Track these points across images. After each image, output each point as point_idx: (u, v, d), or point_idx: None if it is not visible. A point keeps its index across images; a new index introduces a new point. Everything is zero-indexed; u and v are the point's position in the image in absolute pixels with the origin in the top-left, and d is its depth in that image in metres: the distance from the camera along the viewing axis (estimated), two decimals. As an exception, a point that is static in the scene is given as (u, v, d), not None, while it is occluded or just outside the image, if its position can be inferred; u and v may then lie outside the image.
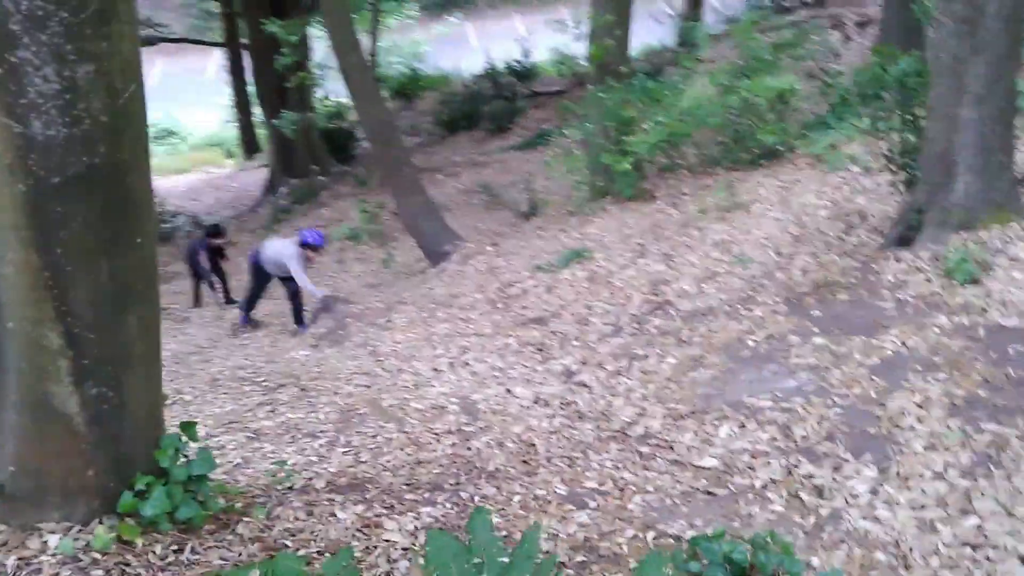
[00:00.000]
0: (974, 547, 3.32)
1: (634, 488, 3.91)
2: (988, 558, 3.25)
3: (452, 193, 14.15)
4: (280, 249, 8.86)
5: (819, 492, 3.80)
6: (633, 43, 10.51)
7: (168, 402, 6.57)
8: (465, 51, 24.16)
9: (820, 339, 5.08)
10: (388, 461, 4.52)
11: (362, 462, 4.56)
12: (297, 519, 3.46)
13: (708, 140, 9.84)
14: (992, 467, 3.70)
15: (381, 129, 10.60)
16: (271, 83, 17.19)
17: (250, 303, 9.28)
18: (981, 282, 5.17)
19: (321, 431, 5.22)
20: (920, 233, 5.93)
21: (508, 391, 5.64)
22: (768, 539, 3.17)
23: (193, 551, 3.01)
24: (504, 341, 6.62)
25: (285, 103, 17.15)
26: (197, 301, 11.21)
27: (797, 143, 9.07)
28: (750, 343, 5.32)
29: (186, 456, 3.25)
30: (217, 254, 11.06)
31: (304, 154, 17.83)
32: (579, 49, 14.56)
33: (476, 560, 2.49)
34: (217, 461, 4.10)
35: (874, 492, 3.76)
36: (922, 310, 5.08)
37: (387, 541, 3.26)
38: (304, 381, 6.51)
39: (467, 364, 6.35)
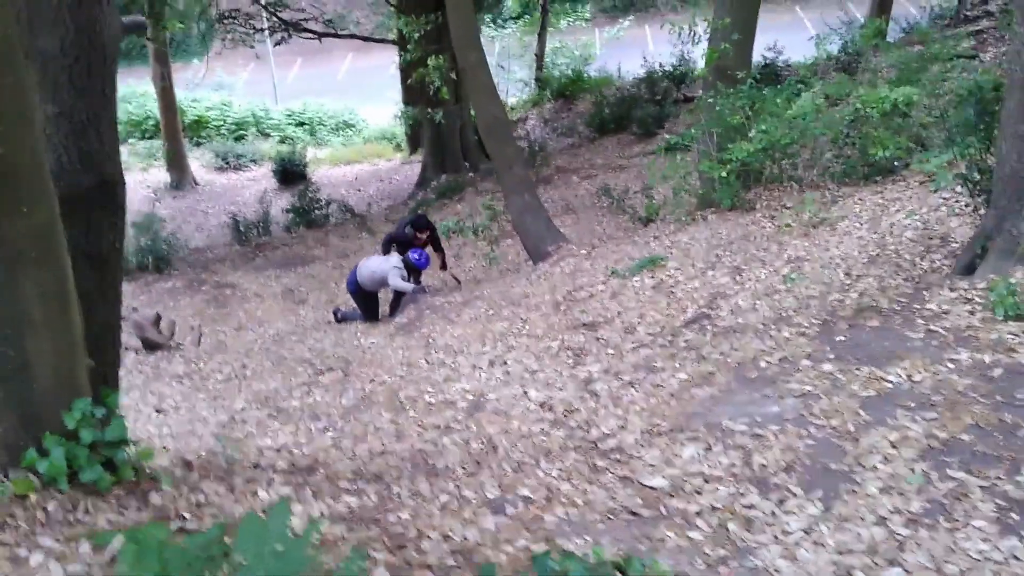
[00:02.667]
0: (882, 601, 3.06)
1: (564, 500, 3.83)
2: (891, 614, 2.98)
3: (583, 195, 14.15)
4: (375, 268, 9.19)
5: (749, 525, 3.59)
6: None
7: (229, 377, 7.01)
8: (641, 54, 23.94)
9: (829, 365, 4.77)
10: (360, 448, 4.62)
11: (337, 447, 4.69)
12: (216, 495, 3.61)
13: (824, 153, 9.37)
14: (941, 518, 3.38)
15: (496, 127, 10.76)
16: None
17: (356, 320, 9.54)
18: (1027, 319, 4.70)
19: (328, 415, 5.40)
20: (983, 262, 5.45)
21: (524, 393, 5.62)
22: (643, 564, 3.05)
23: (85, 511, 3.21)
24: (549, 344, 6.59)
25: (439, 99, 17.65)
26: None
27: (915, 160, 8.48)
28: (762, 364, 5.06)
29: (103, 421, 3.45)
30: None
31: (456, 150, 18.28)
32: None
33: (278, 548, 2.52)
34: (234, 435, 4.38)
35: (807, 531, 3.51)
36: (948, 344, 4.67)
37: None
38: (352, 367, 6.74)
39: (505, 363, 6.38)
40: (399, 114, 18.61)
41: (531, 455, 4.38)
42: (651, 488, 3.98)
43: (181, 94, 24.24)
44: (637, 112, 17.48)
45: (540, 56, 22.98)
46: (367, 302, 9.43)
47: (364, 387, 6.10)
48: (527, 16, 24.98)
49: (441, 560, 3.16)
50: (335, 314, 9.68)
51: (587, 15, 26.20)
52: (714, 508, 3.76)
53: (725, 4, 9.88)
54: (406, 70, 17.68)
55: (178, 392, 6.74)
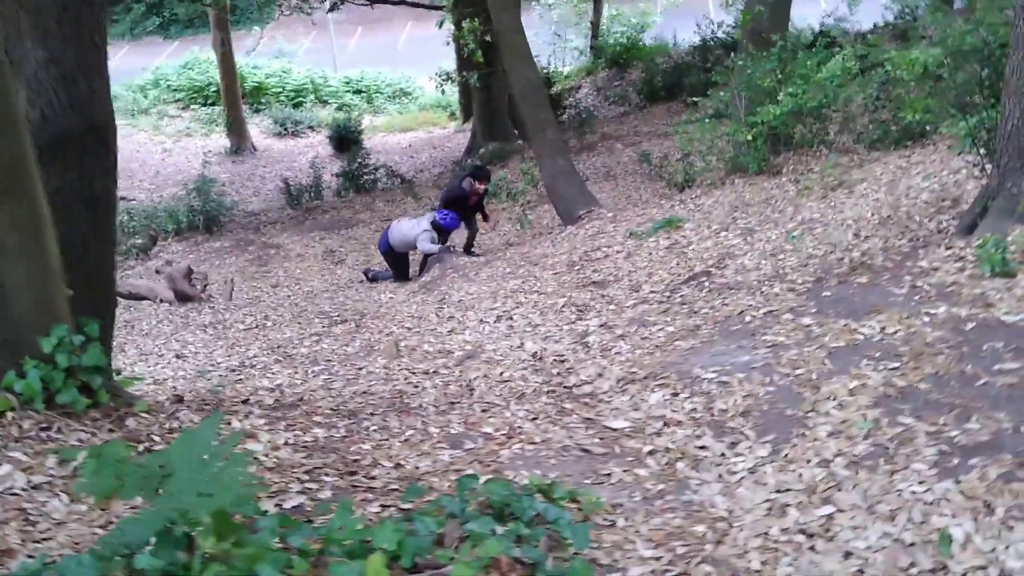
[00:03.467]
0: (808, 535, 3.13)
1: (523, 438, 3.96)
2: (812, 548, 3.06)
3: (625, 162, 14.13)
4: (406, 231, 9.37)
5: (696, 464, 3.69)
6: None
7: (250, 327, 7.28)
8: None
9: (808, 319, 4.80)
10: (347, 389, 4.82)
11: (328, 388, 4.90)
12: (190, 422, 3.83)
13: (857, 117, 9.26)
14: (882, 461, 3.43)
15: (530, 91, 10.82)
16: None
17: (387, 279, 9.73)
18: (1015, 276, 4.66)
19: (329, 360, 5.61)
20: (982, 221, 5.40)
21: (521, 344, 5.75)
22: (569, 492, 3.19)
23: (58, 431, 3.45)
24: (556, 300, 6.70)
25: (492, 66, 17.75)
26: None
27: (946, 124, 8.33)
28: (747, 318, 5.11)
29: (81, 348, 3.69)
30: (476, 206, 10.29)
31: (505, 118, 18.35)
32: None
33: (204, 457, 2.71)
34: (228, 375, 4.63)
35: (751, 471, 3.59)
36: (929, 299, 4.66)
37: (244, 450, 3.55)
38: (366, 320, 6.95)
39: (511, 318, 6.51)
40: (435, 76, 18.54)
41: (504, 398, 4.52)
42: (612, 429, 4.09)
43: (242, 61, 24.74)
44: (688, 80, 17.30)
45: (596, 24, 22.85)
46: (397, 263, 9.62)
47: (371, 337, 6.31)
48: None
49: (386, 484, 3.33)
50: (366, 274, 9.90)
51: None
52: (668, 449, 3.86)
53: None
54: (459, 38, 17.76)
55: (200, 340, 7.03)
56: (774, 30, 9.62)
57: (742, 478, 3.55)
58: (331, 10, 19.19)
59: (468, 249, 10.41)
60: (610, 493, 3.43)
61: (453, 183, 11.29)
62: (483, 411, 4.29)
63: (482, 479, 3.08)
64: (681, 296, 5.91)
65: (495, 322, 6.49)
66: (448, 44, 19.46)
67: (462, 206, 10.02)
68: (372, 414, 4.25)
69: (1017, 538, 2.72)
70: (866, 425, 3.66)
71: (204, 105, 23.60)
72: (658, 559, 2.92)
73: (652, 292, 6.33)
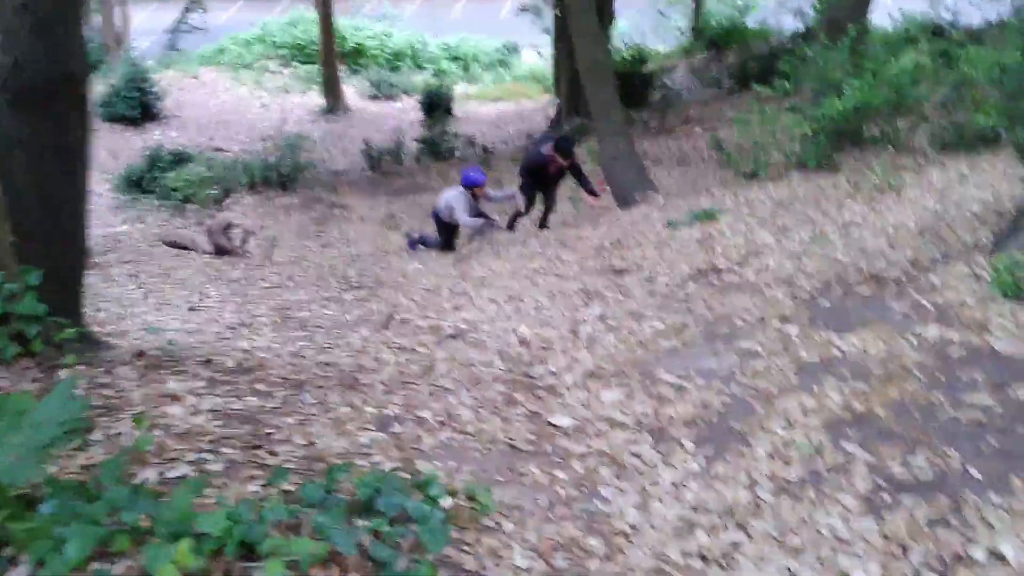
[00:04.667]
0: (706, 560, 2.94)
1: (455, 426, 3.84)
2: None
3: (701, 147, 13.71)
4: (448, 197, 9.26)
5: (621, 472, 3.51)
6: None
7: (271, 286, 7.34)
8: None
9: (794, 328, 4.53)
10: (316, 358, 4.78)
11: (297, 355, 4.87)
12: (124, 380, 3.84)
13: (930, 117, 8.72)
14: (811, 489, 3.20)
15: (595, 70, 10.54)
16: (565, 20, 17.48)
17: (434, 246, 9.62)
18: (1025, 301, 4.29)
19: (318, 327, 5.58)
20: (1010, 238, 4.99)
21: (515, 329, 5.62)
22: (468, 489, 3.07)
23: (-20, 376, 3.50)
24: (570, 285, 6.53)
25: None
26: (512, 225, 9.97)
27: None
28: (737, 322, 4.85)
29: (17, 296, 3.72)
30: (556, 175, 9.62)
31: (592, 95, 18.01)
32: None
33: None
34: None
35: (675, 484, 3.41)
36: (926, 319, 4.33)
37: (163, 414, 3.53)
38: (381, 288, 6.91)
39: (521, 299, 6.37)
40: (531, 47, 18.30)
41: (459, 382, 4.40)
42: (553, 426, 3.94)
43: (345, 22, 25.03)
44: (782, 67, 16.62)
45: (699, 5, 22.23)
46: (444, 230, 9.48)
47: (376, 307, 6.26)
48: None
49: (282, 463, 3.25)
50: (411, 240, 9.83)
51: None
52: (601, 452, 3.70)
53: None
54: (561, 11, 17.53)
55: (219, 295, 7.12)
56: (851, 19, 9.12)
57: (663, 492, 3.36)
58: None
59: (542, 224, 9.98)
60: (516, 494, 3.29)
61: (531, 148, 10.90)
62: (430, 394, 4.18)
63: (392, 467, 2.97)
64: (686, 292, 5.67)
65: (504, 302, 6.36)
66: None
67: (541, 175, 9.71)
68: (319, 387, 4.19)
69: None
70: (807, 449, 3.42)
71: (305, 63, 23.94)
72: (529, 571, 2.78)
73: (665, 284, 6.09)
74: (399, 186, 14.93)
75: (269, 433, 3.50)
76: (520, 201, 9.44)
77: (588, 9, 10.39)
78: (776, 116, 9.14)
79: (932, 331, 4.15)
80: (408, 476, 3.22)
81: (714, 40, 20.58)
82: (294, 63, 24.13)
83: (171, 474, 3.01)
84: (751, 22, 21.48)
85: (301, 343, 5.19)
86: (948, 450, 3.25)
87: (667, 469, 3.50)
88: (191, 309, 6.58)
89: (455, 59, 25.12)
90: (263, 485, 2.97)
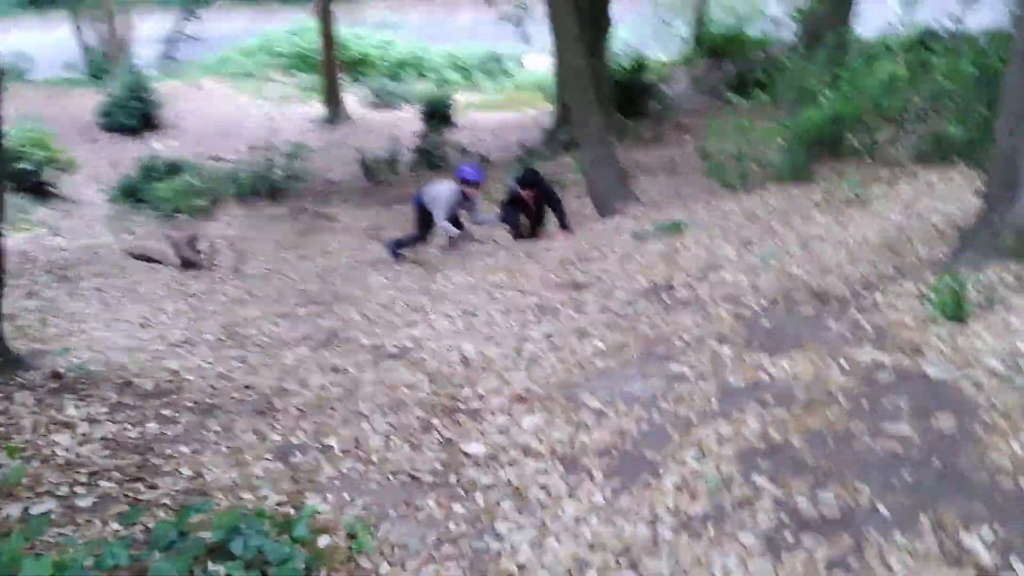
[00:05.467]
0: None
1: (361, 455, 3.72)
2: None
3: (689, 156, 13.53)
4: (436, 190, 9.11)
5: (523, 505, 3.37)
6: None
7: (227, 302, 7.23)
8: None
9: (728, 349, 4.37)
10: (241, 380, 4.66)
11: (223, 376, 4.76)
12: (19, 405, 3.73)
13: (905, 127, 8.53)
14: (712, 526, 3.05)
15: (575, 77, 10.44)
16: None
17: (410, 241, 9.47)
18: (965, 322, 4.11)
19: (258, 345, 5.47)
20: (961, 254, 4.82)
21: (459, 346, 5.49)
22: (350, 527, 2.94)
23: None
24: (528, 300, 6.40)
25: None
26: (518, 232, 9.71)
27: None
28: (676, 341, 4.70)
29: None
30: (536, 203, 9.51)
31: (588, 104, 17.85)
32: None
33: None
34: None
35: (577, 519, 3.26)
36: (862, 339, 4.16)
37: (50, 442, 3.42)
38: (336, 304, 6.80)
39: (474, 315, 6.25)
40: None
41: (377, 407, 4.27)
42: (465, 454, 3.80)
43: (348, 30, 25.02)
44: (760, 76, 16.44)
45: (700, 13, 22.05)
46: (421, 221, 9.26)
47: (324, 323, 6.15)
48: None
49: (157, 498, 3.14)
50: (386, 243, 9.62)
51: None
52: (508, 483, 3.55)
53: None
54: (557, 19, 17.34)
55: (175, 310, 7.02)
56: (830, 27, 8.94)
57: (562, 527, 3.21)
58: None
59: (563, 226, 9.30)
60: (405, 531, 3.15)
61: (510, 183, 10.77)
62: (343, 421, 4.06)
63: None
64: (634, 309, 5.52)
65: (458, 317, 6.23)
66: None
67: (522, 205, 9.63)
68: (229, 412, 4.07)
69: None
70: (715, 482, 3.27)
71: (307, 72, 23.94)
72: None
73: (620, 300, 5.95)
74: (391, 196, 14.82)
75: (156, 464, 3.39)
76: (504, 226, 9.35)
77: (568, 15, 10.28)
78: (750, 126, 8.96)
79: (864, 354, 3.98)
80: (290, 511, 3.10)
81: (714, 48, 20.39)
82: (296, 72, 24.12)
83: (36, 509, 2.90)
84: (755, 31, 21.27)
85: (234, 362, 5.07)
86: (858, 484, 3.09)
87: (571, 502, 3.36)
88: (142, 325, 6.48)
89: (458, 68, 25.04)
90: (132, 523, 2.85)
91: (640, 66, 19.12)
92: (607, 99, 18.07)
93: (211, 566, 2.55)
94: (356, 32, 25.42)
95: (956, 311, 4.15)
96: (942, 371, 3.73)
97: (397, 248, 9.47)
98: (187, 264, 8.65)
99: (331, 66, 21.58)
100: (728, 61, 20.03)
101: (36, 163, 14.27)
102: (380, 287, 7.43)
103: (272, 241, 11.43)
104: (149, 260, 8.86)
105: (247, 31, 27.30)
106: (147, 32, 24.51)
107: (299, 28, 25.21)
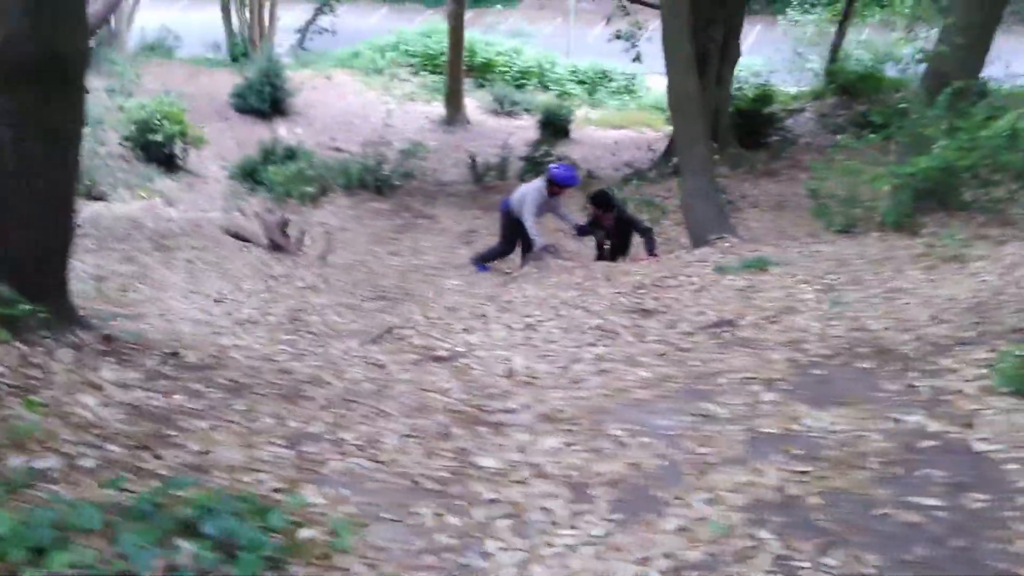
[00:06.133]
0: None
1: (371, 453, 3.68)
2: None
3: (801, 194, 13.13)
4: (525, 190, 9.08)
5: (521, 527, 3.28)
6: None
7: (303, 288, 7.39)
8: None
9: (773, 395, 4.18)
10: (282, 365, 4.73)
11: (269, 359, 4.83)
12: (57, 363, 3.87)
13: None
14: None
15: (686, 102, 10.28)
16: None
17: (494, 255, 9.40)
18: (1032, 400, 3.83)
19: (313, 333, 5.56)
20: (1043, 325, 4.50)
21: (509, 358, 5.44)
22: (338, 525, 2.93)
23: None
24: (590, 320, 6.30)
25: (703, 76, 17.13)
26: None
27: None
28: (721, 380, 4.53)
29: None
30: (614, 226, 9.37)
31: (708, 132, 17.57)
32: None
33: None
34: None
35: (568, 549, 3.14)
36: (915, 403, 3.92)
37: (74, 401, 3.52)
38: (404, 303, 6.86)
39: (535, 329, 6.19)
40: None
41: (405, 407, 4.25)
42: (476, 467, 3.73)
43: (478, 36, 25.35)
44: (875, 118, 15.82)
45: (836, 48, 21.41)
46: (509, 228, 9.21)
47: (383, 319, 6.20)
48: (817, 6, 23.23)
49: (159, 467, 3.18)
50: (473, 260, 9.68)
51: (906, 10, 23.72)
52: (511, 502, 3.47)
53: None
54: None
55: (253, 290, 7.20)
56: (959, 76, 8.52)
57: (552, 555, 3.11)
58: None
59: (650, 252, 9.18)
60: (392, 535, 3.09)
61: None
62: (364, 416, 4.04)
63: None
64: (693, 341, 5.36)
65: (519, 330, 6.18)
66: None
67: (601, 226, 9.56)
68: (257, 393, 4.12)
69: None
70: (718, 529, 3.11)
71: (433, 73, 24.33)
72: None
73: (682, 332, 5.79)
74: (492, 201, 14.89)
75: (169, 435, 3.44)
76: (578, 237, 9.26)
77: (683, 39, 10.11)
78: (858, 169, 8.63)
79: (913, 419, 3.75)
80: (281, 499, 3.10)
81: (846, 85, 19.78)
82: (423, 72, 24.55)
83: (38, 464, 2.98)
84: (895, 71, 20.50)
85: (283, 346, 5.15)
86: (867, 555, 2.89)
87: (570, 531, 3.24)
88: (217, 301, 6.66)
89: (581, 82, 25.02)
90: (121, 489, 2.90)
91: (764, 97, 18.70)
92: (727, 128, 17.83)
93: (180, 542, 2.56)
94: (486, 38, 25.69)
95: (1021, 384, 3.86)
96: (990, 447, 3.47)
97: (481, 264, 9.46)
98: (274, 246, 8.88)
99: (456, 69, 21.86)
100: (859, 99, 19.40)
101: (168, 136, 14.96)
102: (452, 290, 7.45)
103: (368, 234, 11.63)
104: (242, 239, 9.12)
105: (382, 28, 27.95)
106: (289, 22, 25.34)
107: (431, 29, 25.65)
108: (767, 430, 3.80)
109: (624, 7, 19.54)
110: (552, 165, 9.13)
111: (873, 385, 4.19)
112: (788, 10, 24.45)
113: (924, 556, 2.87)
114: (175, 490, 2.77)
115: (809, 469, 3.42)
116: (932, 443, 3.54)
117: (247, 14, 24.49)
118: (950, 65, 8.64)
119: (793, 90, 21.40)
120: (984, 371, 4.16)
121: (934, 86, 8.63)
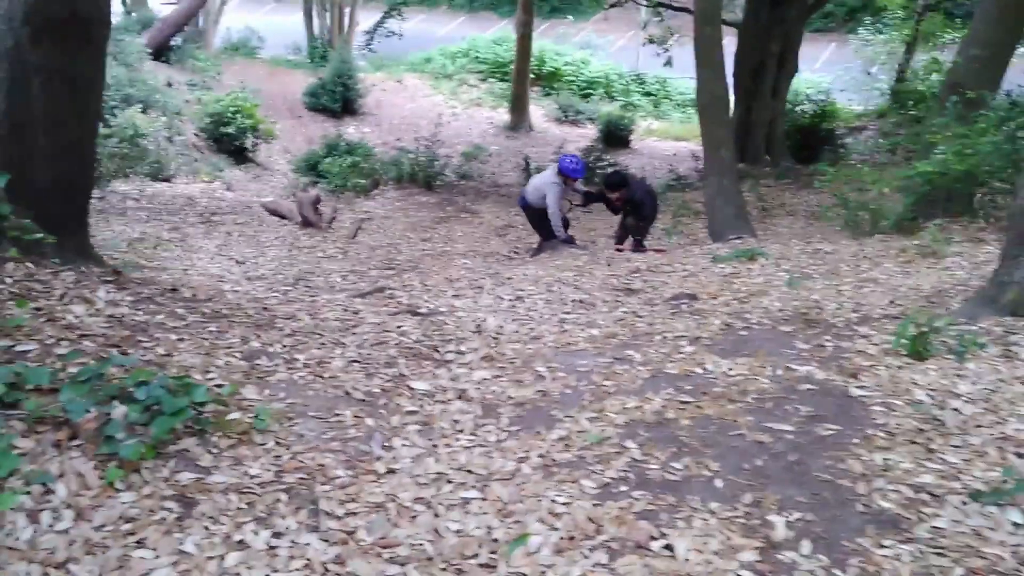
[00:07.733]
0: (433, 510, 3.17)
1: (314, 371, 4.19)
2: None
3: (829, 202, 13.30)
4: (538, 183, 9.48)
5: (423, 431, 3.75)
6: None
7: (320, 257, 7.96)
8: None
9: (690, 347, 4.57)
10: (270, 305, 5.28)
11: (255, 299, 5.38)
12: (59, 281, 4.47)
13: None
14: (564, 471, 3.33)
15: (712, 106, 10.59)
16: (747, 65, 17.37)
17: (549, 234, 9.73)
18: (923, 362, 4.15)
19: (312, 286, 6.10)
20: (963, 305, 4.79)
21: (485, 319, 5.87)
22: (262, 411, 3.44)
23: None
24: (576, 296, 6.70)
25: (759, 88, 17.43)
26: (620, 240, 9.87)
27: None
28: (656, 338, 4.93)
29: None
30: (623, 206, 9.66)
31: (759, 142, 17.80)
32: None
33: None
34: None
35: (463, 448, 3.61)
36: (814, 360, 4.26)
37: (67, 310, 4.11)
38: (409, 273, 7.37)
39: (521, 301, 6.61)
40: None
41: (365, 341, 4.74)
42: (408, 388, 4.22)
43: (548, 45, 25.90)
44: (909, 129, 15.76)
45: (903, 67, 21.34)
46: (536, 220, 9.58)
47: (381, 284, 6.73)
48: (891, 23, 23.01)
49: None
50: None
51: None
52: (428, 415, 3.93)
53: (982, 15, 8.95)
54: (743, 55, 17.44)
55: (275, 256, 7.81)
56: (978, 86, 8.70)
57: (445, 452, 3.58)
58: (613, 6, 19.59)
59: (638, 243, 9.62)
60: (311, 427, 3.61)
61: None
62: (321, 344, 4.56)
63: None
64: (651, 311, 5.75)
65: (508, 300, 6.62)
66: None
67: (608, 204, 9.92)
68: (233, 320, 4.67)
69: None
70: (592, 439, 3.55)
71: (502, 80, 24.95)
72: (257, 478, 3.11)
73: (649, 306, 6.18)
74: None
75: (140, 340, 4.00)
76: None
77: (717, 44, 10.43)
78: (874, 176, 8.88)
79: (804, 368, 4.10)
80: (216, 388, 3.63)
81: (910, 103, 19.69)
82: (491, 79, 25.18)
83: (20, 348, 3.56)
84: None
85: (275, 294, 5.70)
86: (712, 462, 3.28)
87: (468, 436, 3.71)
88: (239, 262, 7.28)
89: (647, 94, 25.34)
90: (80, 364, 3.46)
91: (824, 114, 18.79)
92: (780, 140, 18.01)
93: (115, 404, 3.11)
94: (556, 48, 26.22)
95: (917, 350, 4.18)
96: (865, 392, 3.81)
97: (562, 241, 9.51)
98: (306, 223, 9.51)
99: (523, 77, 22.42)
100: (923, 119, 19.29)
101: (239, 129, 15.89)
102: (459, 267, 7.93)
103: (407, 222, 12.20)
104: (279, 215, 9.78)
105: (456, 35, 28.72)
106: (368, 26, 26.30)
107: (502, 38, 26.29)
108: (670, 371, 4.19)
109: (660, 14, 19.91)
110: (563, 156, 9.50)
111: (786, 344, 4.54)
112: (860, 29, 24.36)
113: (760, 466, 3.25)
114: (117, 366, 3.31)
115: (691, 400, 3.82)
116: (812, 387, 3.90)
117: (328, 18, 25.53)
118: (966, 77, 8.82)
119: (859, 108, 21.40)
120: (893, 339, 4.47)
121: (949, 97, 8.83)
